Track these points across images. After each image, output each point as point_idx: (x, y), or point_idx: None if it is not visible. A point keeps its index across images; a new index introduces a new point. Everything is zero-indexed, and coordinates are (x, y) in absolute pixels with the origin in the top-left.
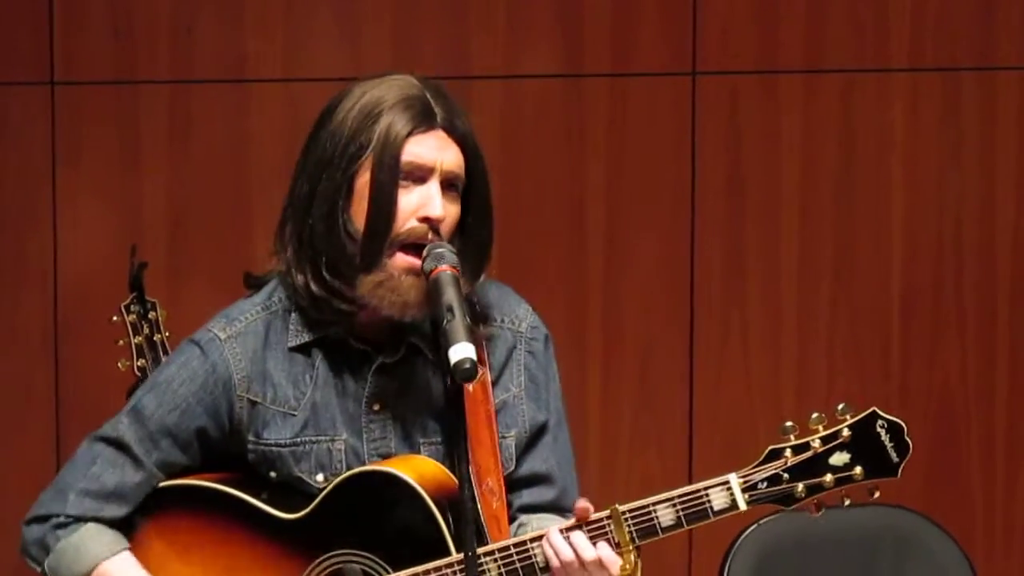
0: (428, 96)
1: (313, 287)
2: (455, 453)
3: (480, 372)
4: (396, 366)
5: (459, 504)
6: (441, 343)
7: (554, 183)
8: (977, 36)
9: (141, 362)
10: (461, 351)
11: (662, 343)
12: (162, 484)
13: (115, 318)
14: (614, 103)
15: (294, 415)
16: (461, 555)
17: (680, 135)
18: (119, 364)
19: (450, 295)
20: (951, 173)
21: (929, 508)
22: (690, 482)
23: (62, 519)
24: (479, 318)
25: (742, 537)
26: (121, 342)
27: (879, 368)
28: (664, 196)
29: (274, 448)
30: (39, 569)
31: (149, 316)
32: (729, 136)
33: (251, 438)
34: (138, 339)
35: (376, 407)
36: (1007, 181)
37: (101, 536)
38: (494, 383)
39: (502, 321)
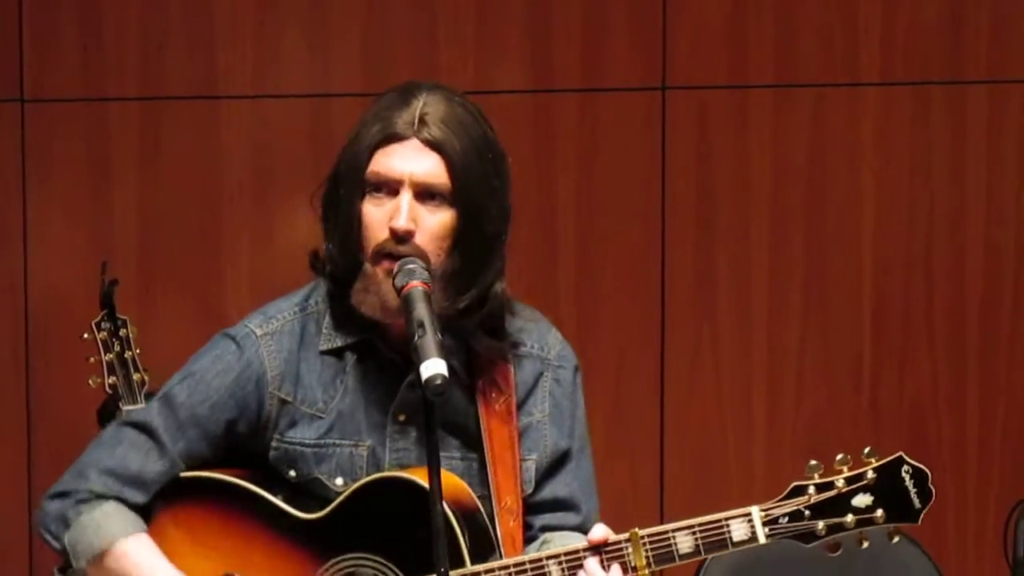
0: (418, 105)
1: (334, 295)
2: (477, 470)
3: (505, 395)
4: None
5: (475, 518)
6: (412, 359)
7: (524, 198)
8: (946, 50)
9: (112, 379)
10: (432, 367)
11: (633, 356)
12: (182, 475)
13: (86, 335)
14: (584, 118)
15: (321, 417)
16: (474, 568)
17: (650, 150)
18: (90, 381)
19: (420, 311)
20: (921, 187)
21: None
22: (661, 497)
23: (84, 495)
24: (506, 337)
25: None
26: (92, 359)
27: (850, 381)
28: (634, 211)
29: (297, 447)
30: (57, 545)
31: (120, 333)
32: (699, 151)
33: (275, 435)
34: (109, 356)
35: (402, 418)
36: (977, 194)
37: (122, 515)
38: (519, 406)
39: (532, 347)
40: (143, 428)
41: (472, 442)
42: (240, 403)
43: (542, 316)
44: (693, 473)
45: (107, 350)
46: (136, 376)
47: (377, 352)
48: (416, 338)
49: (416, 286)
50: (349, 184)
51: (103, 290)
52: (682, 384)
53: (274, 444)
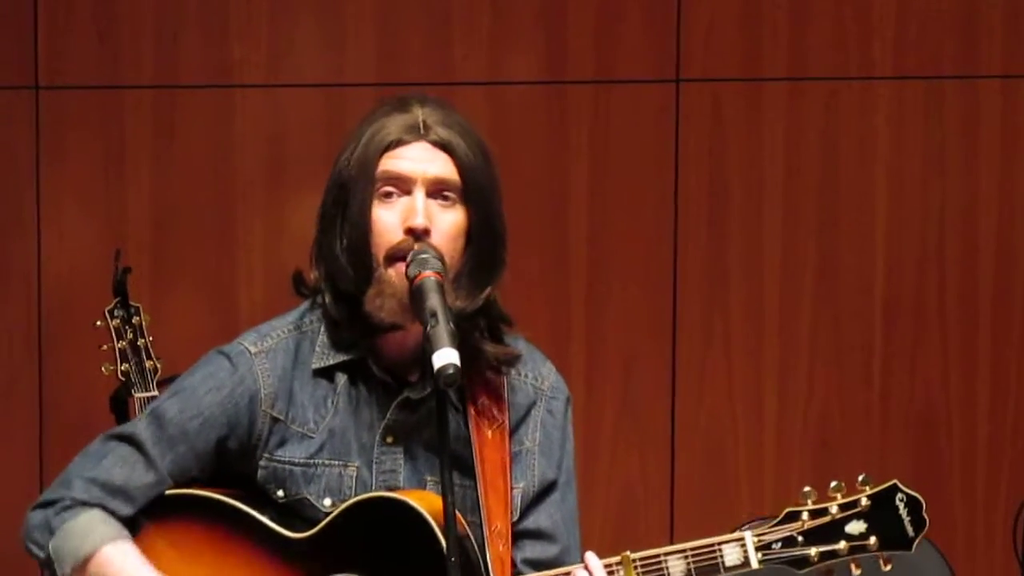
0: (419, 111)
1: (331, 307)
2: (468, 496)
3: (499, 421)
4: (419, 403)
5: (463, 544)
6: (425, 348)
7: (537, 190)
8: (960, 45)
9: (125, 366)
10: (445, 356)
11: (644, 349)
12: (169, 492)
13: (99, 323)
14: (598, 110)
15: (312, 437)
16: None
17: (663, 142)
18: (103, 368)
19: (433, 301)
20: (934, 180)
21: None
22: (671, 490)
23: (67, 502)
24: (505, 363)
25: None
26: (105, 347)
27: (861, 375)
28: (647, 203)
29: (287, 466)
30: (41, 554)
31: (133, 320)
32: (712, 143)
33: (265, 454)
34: (122, 344)
35: (389, 440)
36: (989, 189)
37: (107, 522)
38: (511, 432)
39: (526, 376)
40: (130, 440)
41: (465, 469)
42: (232, 420)
43: (536, 347)
44: (703, 466)
45: (120, 337)
46: (148, 363)
47: (369, 372)
48: (428, 327)
49: (428, 276)
50: (360, 187)
51: (116, 278)
52: (693, 377)
53: (263, 463)
